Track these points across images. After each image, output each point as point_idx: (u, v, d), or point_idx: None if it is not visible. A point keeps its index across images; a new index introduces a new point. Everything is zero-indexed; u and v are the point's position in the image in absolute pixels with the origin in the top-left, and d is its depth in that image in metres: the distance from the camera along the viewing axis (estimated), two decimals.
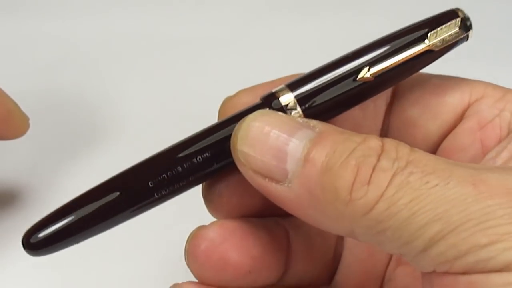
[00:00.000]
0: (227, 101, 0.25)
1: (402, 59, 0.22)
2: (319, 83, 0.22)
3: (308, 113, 0.22)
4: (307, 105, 0.22)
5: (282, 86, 0.22)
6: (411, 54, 0.22)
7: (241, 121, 0.21)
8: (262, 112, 0.21)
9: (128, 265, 0.32)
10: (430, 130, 0.24)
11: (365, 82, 0.22)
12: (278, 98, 0.22)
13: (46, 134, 0.39)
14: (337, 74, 0.22)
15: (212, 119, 0.38)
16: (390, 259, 0.26)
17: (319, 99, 0.22)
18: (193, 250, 0.23)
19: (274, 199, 0.21)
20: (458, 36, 0.23)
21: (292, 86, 0.22)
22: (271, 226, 0.25)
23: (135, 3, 0.51)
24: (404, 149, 0.19)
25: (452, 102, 0.24)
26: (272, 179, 0.20)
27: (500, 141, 0.23)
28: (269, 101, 0.22)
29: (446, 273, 0.18)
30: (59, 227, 0.21)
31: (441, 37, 0.23)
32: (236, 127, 0.21)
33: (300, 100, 0.22)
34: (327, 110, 0.23)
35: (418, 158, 0.19)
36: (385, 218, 0.18)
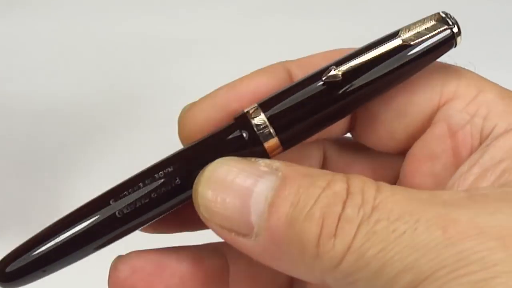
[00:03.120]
0: (187, 113, 0.23)
1: (374, 56, 0.21)
2: (291, 98, 0.21)
3: (283, 134, 0.21)
4: (280, 124, 0.21)
5: (255, 105, 0.22)
6: (383, 50, 0.21)
7: (200, 173, 0.20)
8: (221, 162, 0.20)
9: None
10: (396, 128, 0.23)
11: (334, 82, 0.21)
12: (252, 119, 0.21)
13: (46, 134, 0.39)
14: (305, 82, 0.22)
15: None
16: None
17: (292, 115, 0.21)
18: (109, 280, 0.23)
19: (243, 251, 0.20)
20: (435, 28, 0.21)
21: (264, 105, 0.21)
22: (203, 257, 0.24)
23: (135, 4, 0.50)
24: (369, 190, 0.19)
25: (420, 102, 0.22)
26: (238, 233, 0.20)
27: (472, 150, 0.22)
28: (242, 123, 0.21)
29: None
30: (38, 255, 0.20)
31: (415, 31, 0.21)
32: (195, 181, 0.20)
33: (272, 119, 0.21)
34: (303, 129, 0.22)
35: (384, 202, 0.18)
36: (355, 271, 0.18)
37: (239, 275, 0.24)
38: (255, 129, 0.21)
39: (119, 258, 0.23)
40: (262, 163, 0.20)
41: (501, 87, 0.22)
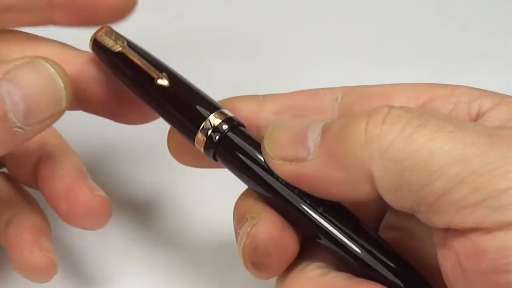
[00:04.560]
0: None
1: None
2: None
3: None
4: None
5: None
6: None
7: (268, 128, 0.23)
8: (283, 120, 0.23)
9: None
10: None
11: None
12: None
13: None
14: None
15: None
16: None
17: None
18: None
19: (301, 181, 0.21)
20: None
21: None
22: None
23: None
24: (416, 108, 0.20)
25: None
26: (297, 160, 0.21)
27: None
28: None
29: (464, 225, 0.17)
30: None
31: None
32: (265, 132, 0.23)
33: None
34: None
35: (432, 112, 0.19)
36: (404, 157, 0.18)
37: None
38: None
39: None
40: None
41: None
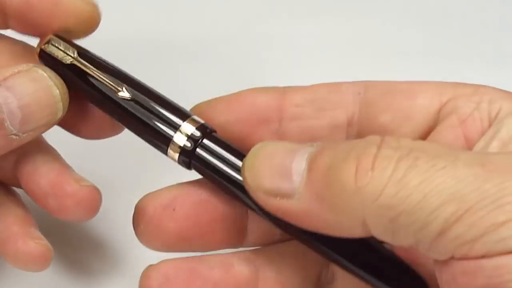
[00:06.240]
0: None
1: None
2: None
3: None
4: None
5: None
6: None
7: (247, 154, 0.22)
8: (266, 141, 0.22)
9: None
10: (404, 134, 0.24)
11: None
12: None
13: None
14: None
15: None
16: None
17: None
18: None
19: (288, 217, 0.21)
20: None
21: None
22: (233, 263, 0.24)
23: (134, 3, 0.50)
24: (405, 139, 0.19)
25: (423, 104, 0.24)
26: (282, 196, 0.21)
27: (482, 132, 0.23)
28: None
29: (466, 258, 0.17)
30: None
31: None
32: (243, 160, 0.22)
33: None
34: None
35: (421, 146, 0.19)
36: (396, 203, 0.18)
37: (268, 283, 0.25)
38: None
39: (151, 266, 0.24)
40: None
41: None
